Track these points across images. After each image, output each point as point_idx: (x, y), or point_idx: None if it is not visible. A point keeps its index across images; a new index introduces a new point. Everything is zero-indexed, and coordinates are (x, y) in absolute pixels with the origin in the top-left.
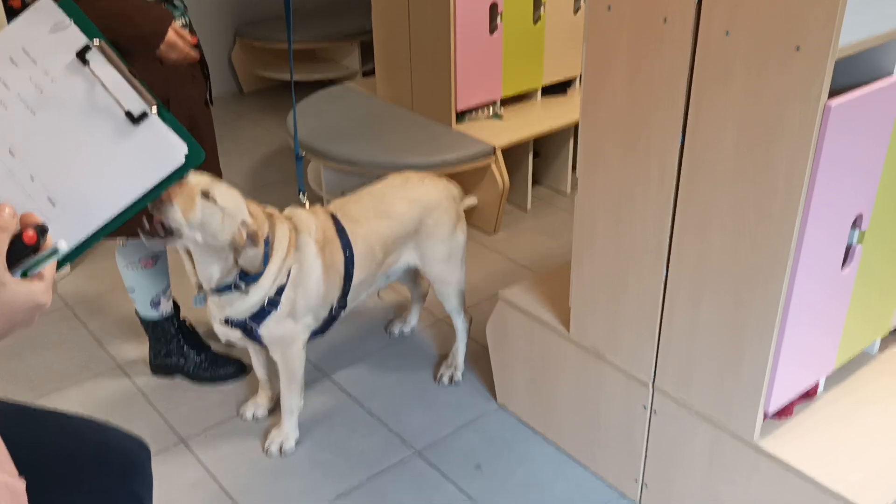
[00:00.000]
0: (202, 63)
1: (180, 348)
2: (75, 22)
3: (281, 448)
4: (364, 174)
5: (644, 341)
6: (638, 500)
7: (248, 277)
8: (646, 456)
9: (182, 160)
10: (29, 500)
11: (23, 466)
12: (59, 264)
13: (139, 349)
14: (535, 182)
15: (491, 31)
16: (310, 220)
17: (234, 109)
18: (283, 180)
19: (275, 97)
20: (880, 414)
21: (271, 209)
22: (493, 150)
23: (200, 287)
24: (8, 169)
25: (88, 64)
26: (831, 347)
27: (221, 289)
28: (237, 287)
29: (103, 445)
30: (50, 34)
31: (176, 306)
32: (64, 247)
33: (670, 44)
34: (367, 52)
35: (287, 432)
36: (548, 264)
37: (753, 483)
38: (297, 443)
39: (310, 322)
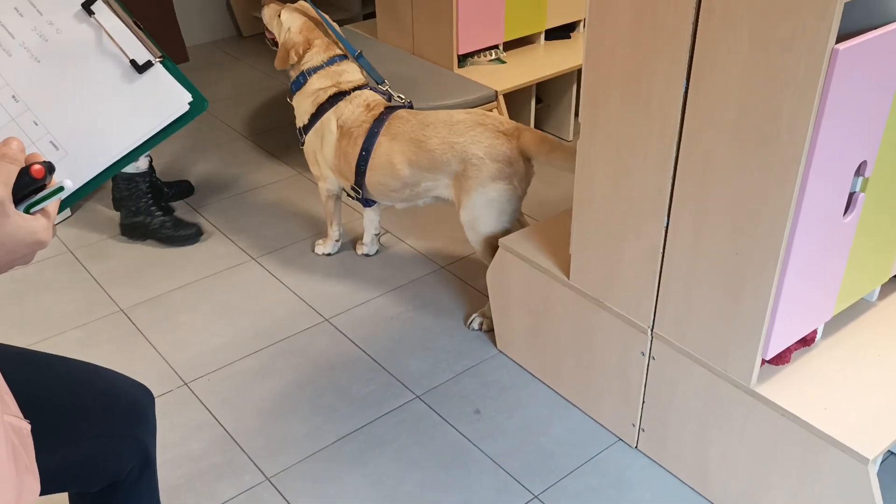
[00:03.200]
0: None
1: (148, 207)
2: None
3: (314, 247)
4: None
5: (643, 288)
6: (635, 444)
7: (292, 86)
8: (643, 401)
9: (186, 107)
10: (35, 445)
11: (28, 411)
12: (61, 206)
13: (142, 293)
14: (537, 128)
15: None
16: (348, 108)
17: (232, 53)
18: (282, 126)
19: None
20: (877, 361)
21: (352, 79)
22: (496, 95)
23: None
24: (11, 115)
25: (94, 15)
26: (830, 295)
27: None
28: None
29: (109, 393)
30: None
31: (151, 168)
32: (70, 184)
33: None
34: None
35: (327, 240)
36: (549, 212)
37: (749, 428)
38: (298, 390)
39: (329, 176)
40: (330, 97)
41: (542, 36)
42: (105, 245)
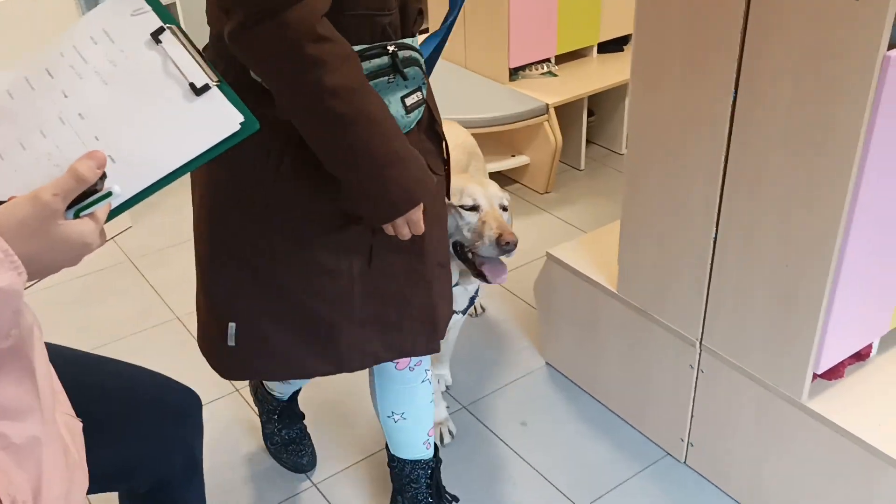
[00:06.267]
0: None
1: (271, 417)
2: (153, 9)
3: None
4: None
5: (692, 300)
6: (683, 460)
7: None
8: (692, 415)
9: (237, 127)
10: (85, 442)
11: (80, 409)
12: (109, 216)
13: None
14: (589, 141)
15: None
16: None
17: None
18: None
19: None
20: None
21: None
22: (547, 108)
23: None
24: (76, 131)
25: (161, 43)
26: (886, 308)
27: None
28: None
29: (157, 395)
30: (129, 17)
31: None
32: (118, 190)
33: None
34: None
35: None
36: (599, 225)
37: (801, 444)
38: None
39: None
40: None
41: (595, 49)
42: (163, 254)
